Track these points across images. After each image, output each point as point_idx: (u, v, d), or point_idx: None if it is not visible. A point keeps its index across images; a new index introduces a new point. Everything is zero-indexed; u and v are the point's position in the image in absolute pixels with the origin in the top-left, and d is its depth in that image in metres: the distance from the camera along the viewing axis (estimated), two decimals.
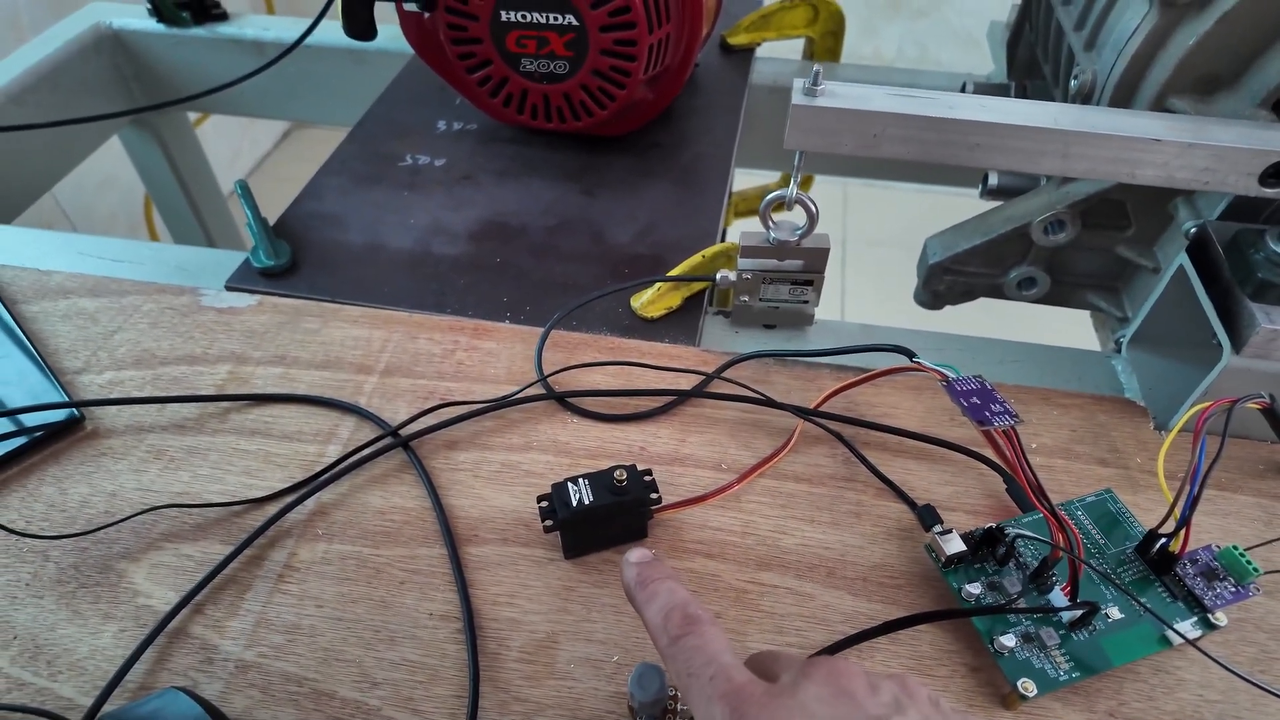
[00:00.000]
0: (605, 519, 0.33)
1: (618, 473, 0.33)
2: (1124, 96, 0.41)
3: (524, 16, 0.48)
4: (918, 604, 0.34)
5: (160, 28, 0.75)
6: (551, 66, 0.50)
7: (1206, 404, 0.33)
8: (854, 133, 0.37)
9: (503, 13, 0.48)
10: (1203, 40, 0.37)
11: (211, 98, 0.76)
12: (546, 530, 0.33)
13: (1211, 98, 0.39)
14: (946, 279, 0.49)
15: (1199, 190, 0.39)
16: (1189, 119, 0.36)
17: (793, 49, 0.75)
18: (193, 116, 0.93)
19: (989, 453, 0.38)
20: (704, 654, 0.24)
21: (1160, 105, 0.39)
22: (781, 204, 0.41)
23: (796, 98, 0.37)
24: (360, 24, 0.48)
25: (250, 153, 1.90)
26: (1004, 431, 0.31)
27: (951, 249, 0.48)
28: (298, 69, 0.75)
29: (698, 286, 0.47)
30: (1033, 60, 0.60)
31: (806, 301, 0.45)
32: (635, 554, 0.28)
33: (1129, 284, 0.48)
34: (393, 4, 0.51)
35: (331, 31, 0.71)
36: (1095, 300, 0.48)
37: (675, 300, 0.47)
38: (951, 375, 0.33)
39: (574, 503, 0.32)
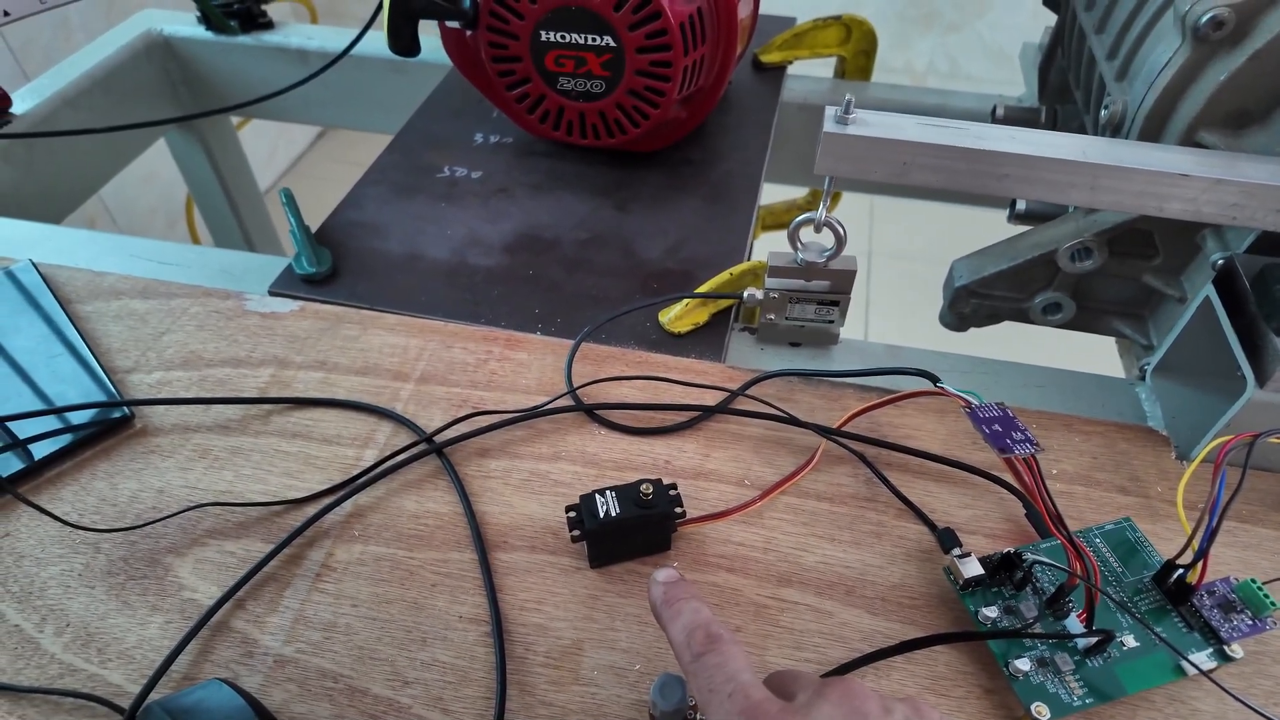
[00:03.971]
0: (631, 531, 0.34)
1: (644, 486, 0.34)
2: (1154, 128, 0.41)
3: (563, 37, 0.49)
4: (935, 625, 0.34)
5: (209, 35, 0.78)
6: (588, 86, 0.51)
7: (1228, 437, 0.33)
8: (884, 161, 0.38)
9: (543, 33, 0.49)
10: (1234, 76, 0.37)
11: (266, 106, 0.79)
12: (574, 540, 0.34)
13: (1242, 133, 0.39)
14: (972, 302, 0.50)
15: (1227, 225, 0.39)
16: (1217, 154, 0.37)
17: (824, 67, 0.76)
18: (235, 120, 0.96)
19: (1009, 477, 0.39)
20: (724, 671, 0.25)
21: (1190, 139, 0.40)
22: (810, 225, 0.42)
23: (829, 125, 0.37)
24: (405, 41, 0.49)
25: (286, 151, 1.94)
26: (1024, 460, 0.32)
27: (978, 272, 0.48)
28: (340, 77, 0.77)
29: (725, 303, 0.48)
30: (1064, 85, 0.61)
31: (832, 321, 0.46)
32: (662, 573, 0.29)
33: (1155, 312, 0.48)
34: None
35: (373, 42, 0.73)
36: (1121, 327, 0.49)
37: (702, 316, 0.48)
38: (975, 402, 0.34)
39: (601, 514, 0.33)
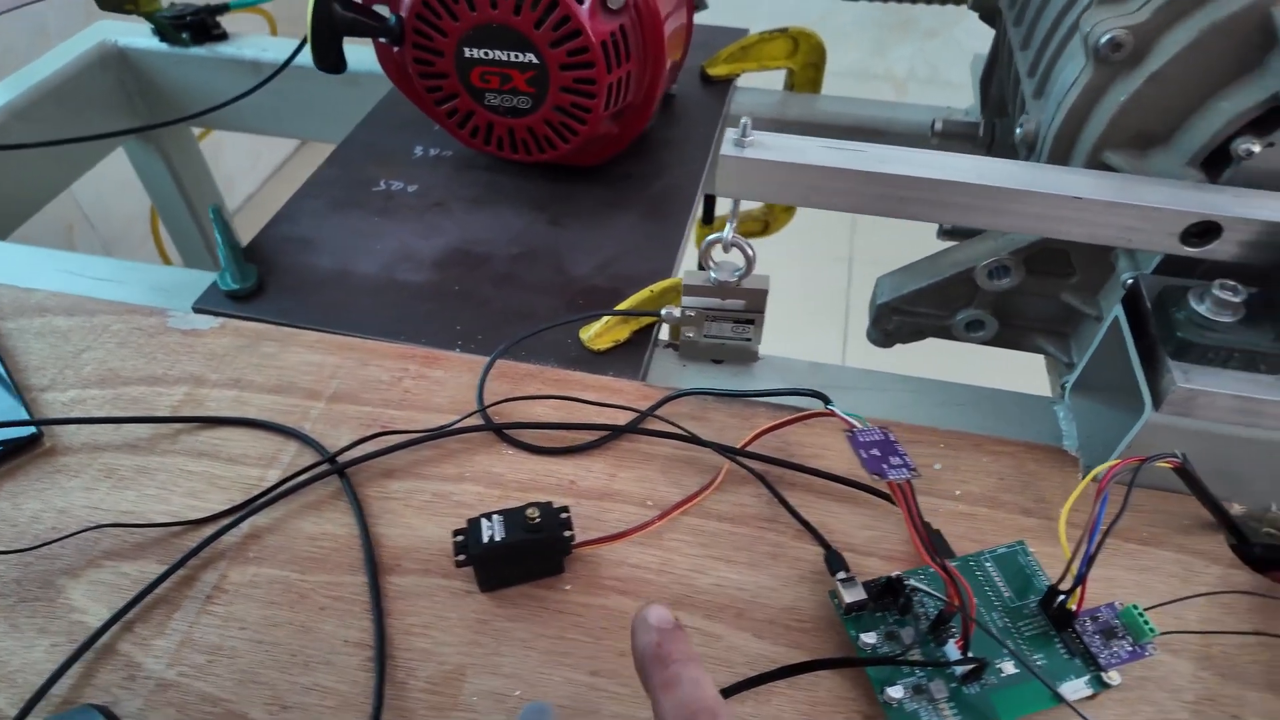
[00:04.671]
0: (518, 555, 0.34)
1: (530, 510, 0.34)
2: (1063, 149, 0.41)
3: (487, 53, 0.49)
4: (822, 649, 0.34)
5: (163, 47, 0.78)
6: (515, 102, 0.51)
7: (1113, 462, 0.33)
8: (785, 184, 0.38)
9: (466, 50, 0.49)
10: (1134, 98, 0.37)
11: (212, 115, 0.79)
12: (458, 565, 0.34)
13: (1147, 154, 0.39)
14: (896, 319, 0.49)
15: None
16: (1113, 177, 0.37)
17: (775, 79, 0.76)
18: (196, 132, 0.96)
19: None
20: None
21: (1096, 159, 0.40)
22: (720, 245, 0.42)
23: (726, 148, 0.37)
24: (331, 58, 0.49)
25: (269, 158, 1.95)
26: (899, 485, 0.31)
27: (900, 290, 0.48)
28: (293, 89, 0.77)
29: (646, 321, 0.48)
30: (1003, 99, 0.60)
31: (749, 339, 0.46)
32: (654, 614, 0.25)
33: (1076, 330, 0.48)
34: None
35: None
36: (1044, 345, 0.49)
37: (623, 334, 0.48)
38: (858, 425, 0.34)
39: (485, 539, 0.33)
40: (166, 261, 1.32)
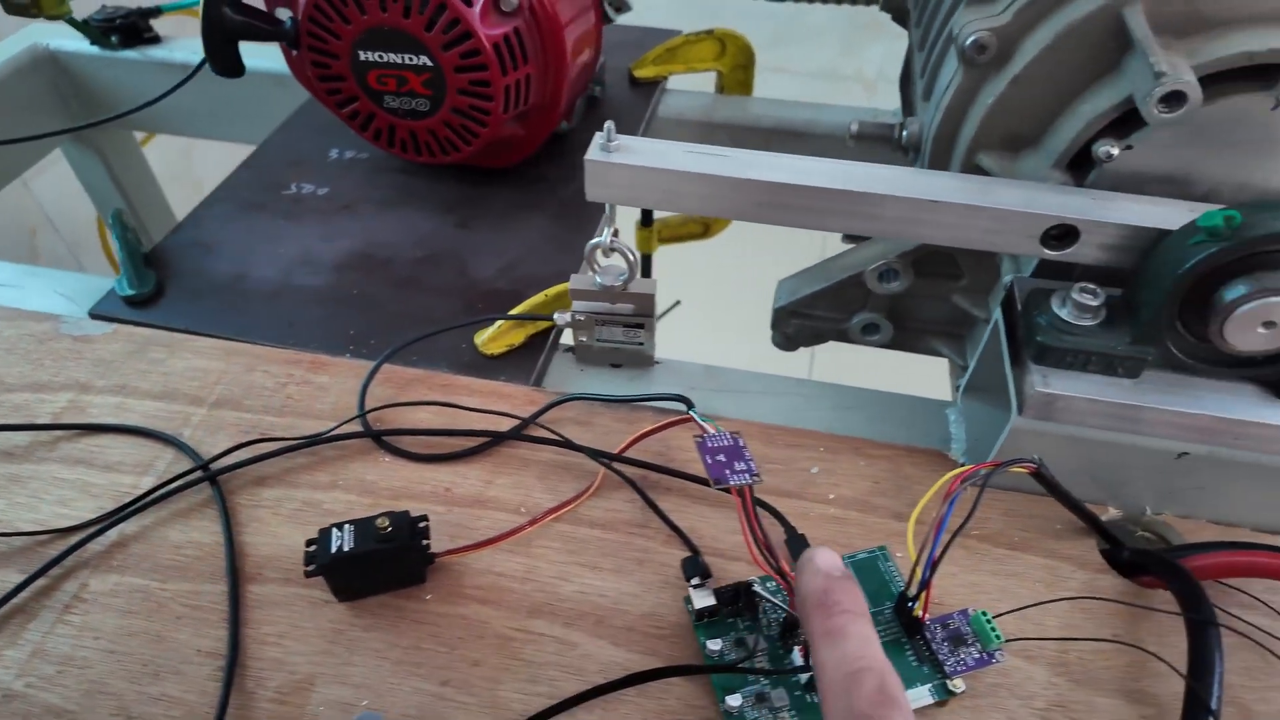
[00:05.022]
0: (371, 566, 0.34)
1: (380, 520, 0.34)
2: (942, 150, 0.41)
3: (381, 56, 0.49)
4: (678, 656, 0.34)
5: (94, 50, 0.78)
6: (413, 104, 0.51)
7: (965, 467, 0.33)
8: (650, 188, 0.37)
9: (361, 53, 0.49)
10: (1000, 101, 0.37)
11: (149, 119, 0.79)
12: (308, 575, 0.33)
13: (1018, 156, 0.39)
14: (794, 322, 0.49)
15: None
16: (973, 180, 0.36)
17: (708, 81, 0.76)
18: (140, 136, 0.96)
19: (774, 502, 0.38)
20: None
21: (970, 161, 0.39)
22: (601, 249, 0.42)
23: (592, 153, 0.37)
24: (226, 61, 0.49)
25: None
26: (738, 490, 0.31)
27: (796, 293, 0.48)
28: (224, 92, 0.77)
29: (543, 325, 0.48)
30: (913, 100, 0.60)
31: (642, 344, 0.46)
32: (824, 558, 0.24)
33: (971, 332, 0.48)
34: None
35: (256, 56, 0.72)
36: (939, 347, 0.48)
37: (518, 338, 0.48)
38: (710, 430, 0.34)
39: (334, 549, 0.33)
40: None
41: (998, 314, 0.39)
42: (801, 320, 0.49)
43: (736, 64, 0.71)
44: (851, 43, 1.80)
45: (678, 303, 1.02)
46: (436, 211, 0.57)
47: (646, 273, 0.87)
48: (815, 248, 1.73)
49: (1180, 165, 0.35)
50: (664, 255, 0.89)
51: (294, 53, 0.52)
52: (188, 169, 1.57)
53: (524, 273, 0.53)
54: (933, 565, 0.31)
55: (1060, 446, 0.37)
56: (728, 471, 0.32)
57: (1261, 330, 0.32)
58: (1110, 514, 0.40)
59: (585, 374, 0.48)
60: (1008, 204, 0.35)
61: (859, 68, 1.81)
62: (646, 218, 0.82)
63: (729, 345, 0.88)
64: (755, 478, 0.32)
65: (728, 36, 0.70)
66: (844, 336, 0.49)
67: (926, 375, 0.66)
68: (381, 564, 0.34)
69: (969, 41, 0.37)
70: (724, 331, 0.94)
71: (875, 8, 0.61)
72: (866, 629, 0.23)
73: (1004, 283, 0.41)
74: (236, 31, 0.48)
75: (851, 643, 0.22)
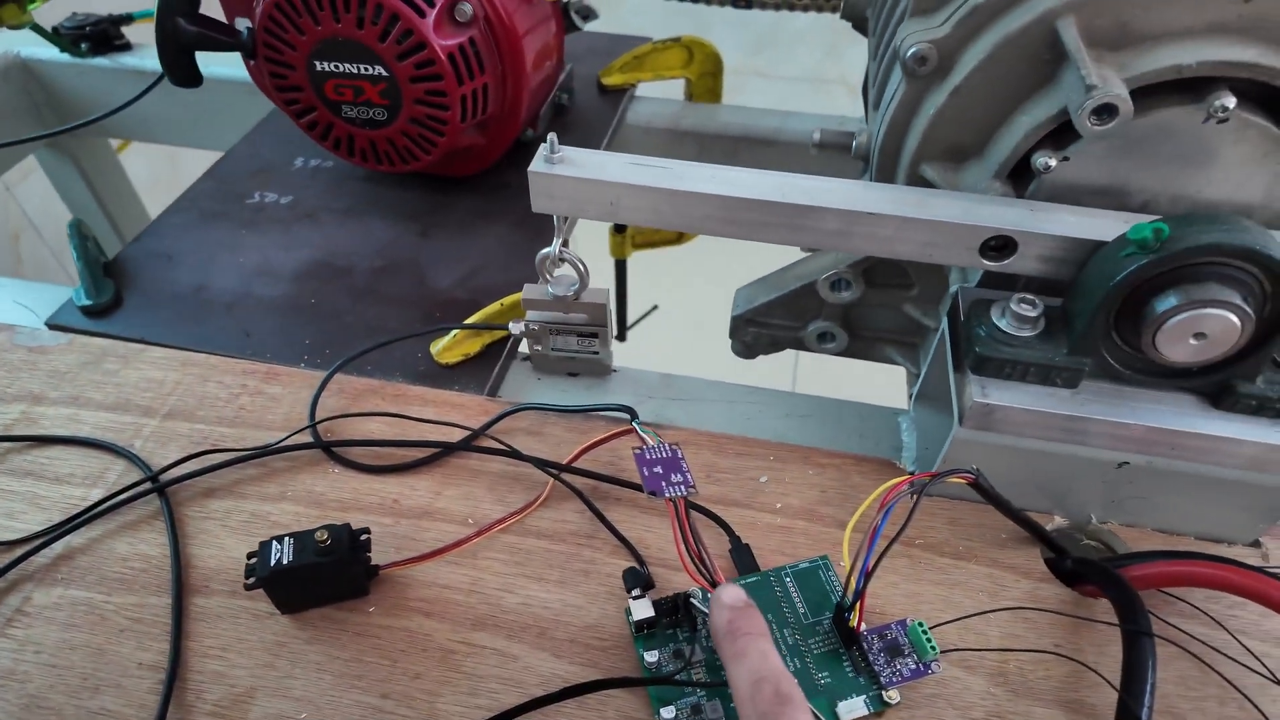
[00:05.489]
0: (311, 578, 0.34)
1: (319, 533, 0.34)
2: (888, 162, 0.41)
3: (338, 67, 0.49)
4: (619, 668, 0.34)
5: (65, 57, 0.78)
6: (371, 114, 0.51)
7: (901, 478, 0.33)
8: (591, 200, 0.38)
9: (317, 63, 0.49)
10: (940, 112, 0.37)
11: (124, 126, 0.79)
12: (247, 588, 0.33)
13: (961, 167, 0.39)
14: (751, 330, 0.49)
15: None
16: (911, 192, 0.37)
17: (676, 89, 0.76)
18: (115, 144, 0.96)
19: (722, 511, 0.39)
20: None
21: (914, 173, 0.40)
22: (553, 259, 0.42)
23: (535, 165, 0.37)
24: (182, 72, 0.49)
25: None
26: (672, 501, 0.31)
27: (753, 302, 0.48)
28: (198, 100, 0.77)
29: (499, 334, 0.48)
30: None
31: (597, 353, 0.46)
32: (728, 594, 0.28)
33: (925, 341, 0.48)
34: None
35: (227, 64, 0.72)
36: (894, 356, 0.49)
37: (473, 347, 0.48)
38: (649, 442, 0.34)
39: (273, 562, 0.33)
40: None
41: (944, 324, 0.40)
42: (758, 329, 0.49)
43: (704, 71, 0.71)
44: (835, 47, 1.80)
45: (655, 308, 1.02)
46: (399, 220, 0.57)
47: (621, 278, 0.88)
48: (793, 253, 1.73)
49: (1117, 177, 0.35)
50: (639, 261, 0.90)
51: (252, 63, 0.52)
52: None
53: (483, 281, 0.53)
54: (866, 575, 0.31)
55: (1003, 456, 0.37)
56: (664, 484, 0.32)
57: (1193, 341, 0.32)
58: (1056, 523, 0.40)
59: (542, 383, 0.48)
60: (945, 216, 0.35)
61: (842, 72, 1.81)
62: (620, 224, 0.82)
63: (706, 352, 0.88)
64: (691, 490, 0.32)
65: (695, 44, 0.70)
66: (800, 345, 0.49)
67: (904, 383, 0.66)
68: (322, 577, 0.34)
69: (910, 53, 0.37)
70: (701, 337, 0.94)
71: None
72: (765, 645, 0.26)
73: (951, 293, 0.41)
74: (192, 43, 0.48)
75: (753, 659, 0.26)
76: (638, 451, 0.33)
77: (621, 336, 0.93)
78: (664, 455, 0.33)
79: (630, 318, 0.93)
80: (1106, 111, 0.32)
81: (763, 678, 0.25)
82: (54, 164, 0.89)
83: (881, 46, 0.46)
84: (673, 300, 1.15)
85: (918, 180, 0.40)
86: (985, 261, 0.36)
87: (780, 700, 0.24)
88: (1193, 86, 0.33)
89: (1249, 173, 0.34)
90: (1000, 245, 0.35)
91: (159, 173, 1.80)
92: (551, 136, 0.37)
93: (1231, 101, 0.32)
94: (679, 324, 1.23)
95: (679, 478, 0.32)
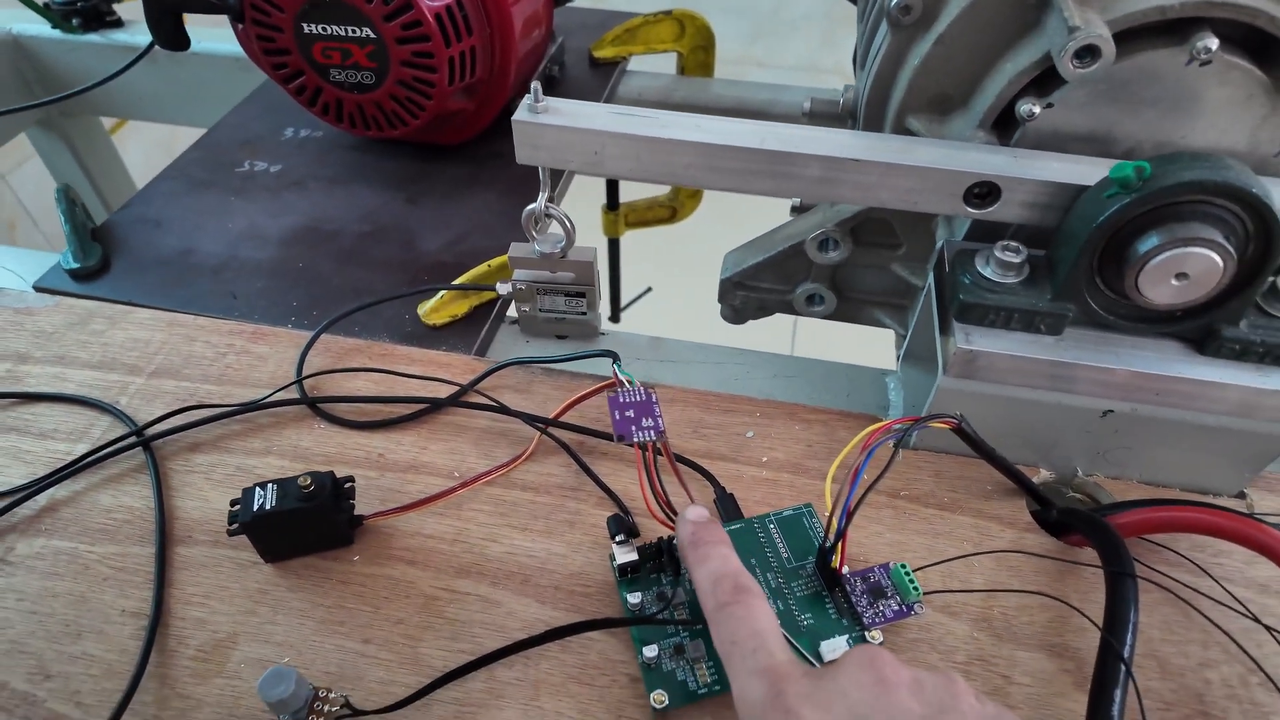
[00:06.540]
0: (295, 525, 0.34)
1: (302, 479, 0.34)
2: (875, 115, 0.41)
3: (325, 29, 0.49)
4: (603, 613, 0.34)
5: (56, 34, 0.78)
6: (359, 77, 0.51)
7: (883, 422, 0.33)
8: (576, 150, 0.37)
9: (305, 25, 0.49)
10: (925, 62, 0.37)
11: (115, 103, 0.79)
12: (230, 534, 0.33)
13: (947, 118, 0.39)
14: (740, 294, 0.49)
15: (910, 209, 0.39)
16: (893, 139, 0.37)
17: (668, 63, 0.76)
18: (108, 123, 0.96)
19: (708, 465, 0.39)
20: (749, 626, 0.25)
21: (900, 125, 0.40)
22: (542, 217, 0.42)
23: (520, 114, 0.37)
24: (167, 33, 0.49)
25: None
26: (640, 445, 0.31)
27: (741, 265, 0.48)
28: (189, 75, 0.77)
29: (487, 296, 0.48)
30: None
31: (584, 313, 0.46)
32: (692, 511, 0.30)
33: (914, 302, 0.48)
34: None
35: (216, 39, 0.72)
36: (882, 318, 0.49)
37: (461, 309, 0.48)
38: (625, 384, 0.34)
39: (256, 507, 0.33)
40: None
41: (931, 277, 0.40)
42: (747, 292, 0.49)
43: (696, 45, 0.71)
44: (831, 35, 1.80)
45: (649, 289, 1.02)
46: (387, 187, 0.57)
47: (615, 258, 0.88)
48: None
49: (1101, 123, 0.35)
50: (634, 244, 0.90)
51: (240, 27, 0.52)
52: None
53: (470, 246, 0.53)
54: (848, 514, 0.31)
55: (989, 406, 0.37)
56: (633, 427, 0.32)
57: (1175, 282, 0.32)
58: (1042, 476, 0.40)
59: (530, 345, 0.48)
60: (929, 162, 0.35)
61: (839, 60, 1.81)
62: (613, 201, 0.82)
63: (700, 336, 0.88)
64: (660, 435, 0.32)
65: (687, 17, 0.70)
66: (789, 308, 0.49)
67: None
68: (305, 523, 0.34)
69: (894, 3, 0.37)
70: (696, 315, 0.94)
71: None
72: (726, 550, 0.28)
73: (938, 247, 0.41)
74: (177, 3, 0.48)
75: (714, 561, 0.28)
76: (612, 395, 0.33)
77: (615, 318, 0.93)
78: (638, 399, 0.33)
79: (624, 301, 0.93)
80: (1089, 53, 0.32)
81: (724, 574, 0.27)
82: (46, 145, 0.89)
83: (869, 7, 0.46)
84: (668, 283, 1.15)
85: (903, 132, 0.40)
86: (969, 209, 0.36)
87: (738, 590, 0.26)
88: (1176, 29, 0.32)
89: (1233, 117, 0.34)
90: (984, 192, 0.35)
91: (154, 160, 1.80)
92: (535, 85, 0.37)
93: (1214, 43, 0.32)
94: (673, 307, 1.23)
95: (649, 422, 0.32)
